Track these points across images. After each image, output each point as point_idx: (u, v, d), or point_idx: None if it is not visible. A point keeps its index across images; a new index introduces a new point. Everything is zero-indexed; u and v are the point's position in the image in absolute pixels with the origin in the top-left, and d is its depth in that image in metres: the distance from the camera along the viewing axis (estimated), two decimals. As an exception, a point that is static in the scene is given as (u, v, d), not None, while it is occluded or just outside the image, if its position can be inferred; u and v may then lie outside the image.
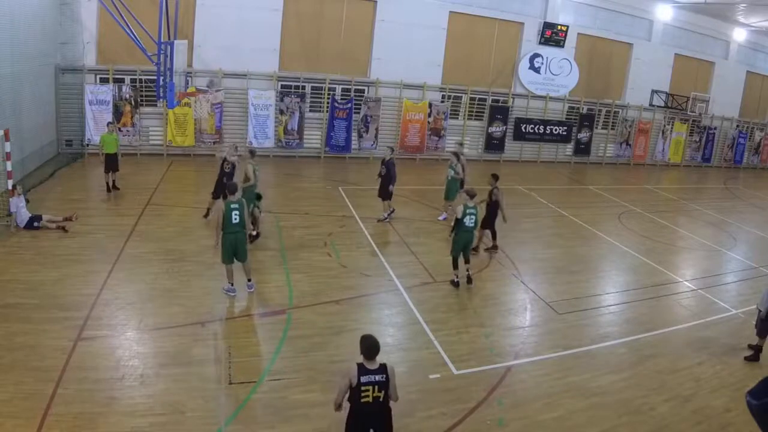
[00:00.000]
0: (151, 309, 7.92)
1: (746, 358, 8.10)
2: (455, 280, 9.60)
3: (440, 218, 13.53)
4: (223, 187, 12.59)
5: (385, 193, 12.62)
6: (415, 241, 11.65)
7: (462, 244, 9.51)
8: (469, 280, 9.68)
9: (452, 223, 9.56)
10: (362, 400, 4.69)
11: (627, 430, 6.31)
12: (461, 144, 15.31)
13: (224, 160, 11.51)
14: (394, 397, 4.86)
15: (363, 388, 4.68)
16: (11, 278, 8.38)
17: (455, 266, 9.61)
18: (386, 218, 12.81)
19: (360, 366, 4.72)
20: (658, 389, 7.12)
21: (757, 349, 8.14)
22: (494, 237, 11.52)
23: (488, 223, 11.19)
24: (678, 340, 8.60)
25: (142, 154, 16.86)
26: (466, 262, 9.70)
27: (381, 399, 4.77)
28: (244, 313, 8.05)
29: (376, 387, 4.72)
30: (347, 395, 4.76)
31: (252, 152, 11.27)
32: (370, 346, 4.73)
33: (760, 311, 8.06)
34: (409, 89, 19.98)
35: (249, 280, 8.65)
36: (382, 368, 4.76)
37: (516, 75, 21.85)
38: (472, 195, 9.48)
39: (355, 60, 19.45)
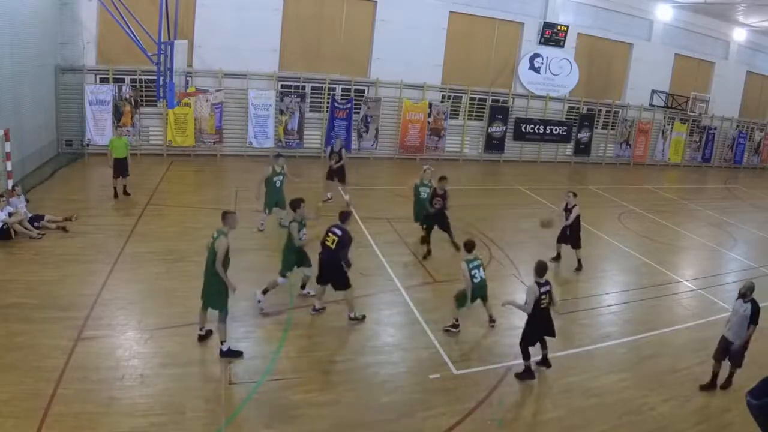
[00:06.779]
0: (151, 309, 7.92)
1: None
2: None
3: None
4: None
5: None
6: (415, 241, 11.64)
7: None
8: None
9: None
10: (541, 307, 6.89)
11: (627, 430, 6.32)
12: None
13: None
14: (555, 303, 7.19)
15: (542, 297, 6.86)
16: (11, 278, 8.38)
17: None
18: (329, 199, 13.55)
19: (537, 283, 6.87)
20: (658, 389, 7.12)
21: None
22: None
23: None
24: (678, 340, 8.61)
25: (142, 154, 16.84)
26: None
27: (549, 305, 7.00)
28: (245, 313, 8.04)
29: (549, 296, 6.96)
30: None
31: None
32: (541, 266, 6.97)
33: None
34: (409, 89, 19.96)
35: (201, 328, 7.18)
36: (547, 281, 6.99)
37: (516, 75, 21.83)
38: None
39: (355, 60, 19.43)
